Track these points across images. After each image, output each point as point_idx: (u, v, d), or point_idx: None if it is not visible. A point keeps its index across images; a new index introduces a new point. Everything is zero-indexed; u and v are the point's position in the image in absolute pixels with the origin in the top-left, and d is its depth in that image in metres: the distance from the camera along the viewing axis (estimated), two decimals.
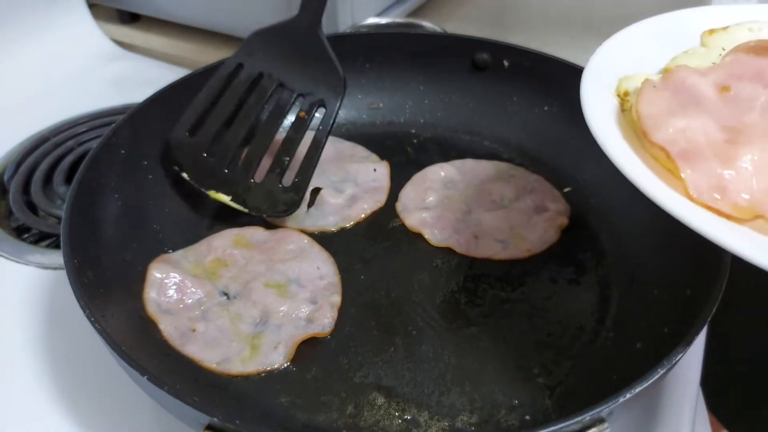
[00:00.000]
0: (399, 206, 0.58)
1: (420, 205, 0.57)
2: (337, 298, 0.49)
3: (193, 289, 0.48)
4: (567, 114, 0.60)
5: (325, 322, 0.47)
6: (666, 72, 0.41)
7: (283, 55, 0.55)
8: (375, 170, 0.60)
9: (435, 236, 0.54)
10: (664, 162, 0.36)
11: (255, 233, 0.54)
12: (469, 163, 0.62)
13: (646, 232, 0.52)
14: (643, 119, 0.37)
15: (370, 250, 0.54)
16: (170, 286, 0.48)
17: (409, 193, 0.59)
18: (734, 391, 0.73)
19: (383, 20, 0.77)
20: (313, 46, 0.54)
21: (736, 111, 0.37)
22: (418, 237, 0.55)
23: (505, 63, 0.63)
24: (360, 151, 0.63)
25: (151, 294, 0.47)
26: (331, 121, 0.53)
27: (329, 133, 0.53)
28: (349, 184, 0.60)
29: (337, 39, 0.66)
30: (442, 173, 0.60)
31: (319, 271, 0.50)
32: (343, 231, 0.56)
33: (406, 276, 0.51)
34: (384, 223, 0.56)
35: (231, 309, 0.48)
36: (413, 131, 0.66)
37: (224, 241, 0.52)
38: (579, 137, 0.59)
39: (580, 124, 0.60)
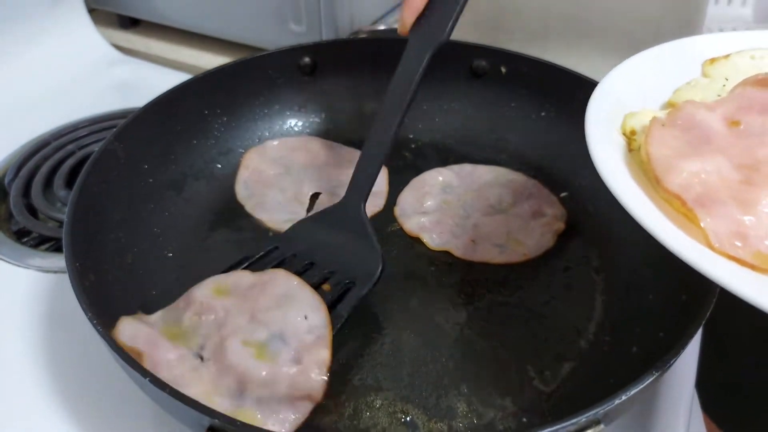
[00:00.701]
0: (397, 210, 0.58)
1: (418, 209, 0.58)
2: (325, 354, 0.43)
3: (164, 353, 0.41)
4: (564, 120, 0.61)
5: (312, 385, 0.41)
6: (672, 108, 0.40)
7: (322, 234, 0.51)
8: None
9: (433, 240, 0.55)
10: (679, 208, 0.34)
11: (240, 278, 0.47)
12: (467, 168, 0.62)
13: (641, 238, 0.52)
14: (654, 162, 0.35)
15: None
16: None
17: (407, 198, 0.59)
18: (729, 393, 0.73)
19: (382, 26, 0.78)
20: (354, 226, 0.50)
21: (748, 147, 0.36)
22: (417, 241, 0.55)
23: (503, 69, 0.64)
24: (358, 156, 0.64)
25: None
26: (356, 301, 0.47)
27: (351, 310, 0.47)
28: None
29: (337, 45, 0.67)
30: (440, 178, 0.61)
31: (307, 321, 0.44)
32: None
33: (404, 279, 0.52)
34: (382, 228, 0.57)
35: (204, 376, 0.41)
36: (411, 136, 0.66)
37: (204, 291, 0.46)
38: (576, 143, 0.59)
39: (577, 129, 0.61)
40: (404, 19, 0.53)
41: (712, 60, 0.45)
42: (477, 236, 0.55)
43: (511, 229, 0.55)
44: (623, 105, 0.41)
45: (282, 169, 0.62)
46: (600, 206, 0.57)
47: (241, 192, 0.60)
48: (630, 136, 0.39)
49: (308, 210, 0.58)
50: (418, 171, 0.62)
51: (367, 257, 0.48)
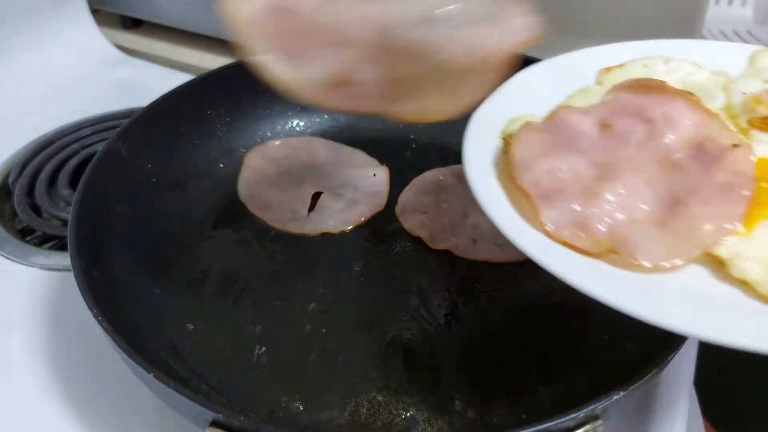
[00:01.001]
0: (398, 210, 0.59)
1: (419, 208, 0.58)
2: None
3: None
4: None
5: None
6: (551, 113, 0.42)
7: None
8: (374, 175, 0.62)
9: (433, 239, 0.55)
10: (528, 202, 0.37)
11: None
12: None
13: None
14: (515, 163, 0.38)
15: (370, 252, 0.55)
16: None
17: (408, 197, 0.60)
18: (728, 396, 0.74)
19: None
20: None
21: (612, 147, 0.39)
22: (417, 240, 0.56)
23: None
24: (359, 156, 0.64)
25: None
26: None
27: None
28: (349, 188, 0.61)
29: None
30: (441, 177, 0.61)
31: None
32: (343, 234, 0.57)
33: (405, 278, 0.52)
34: (383, 227, 0.57)
35: None
36: (412, 136, 0.67)
37: None
38: None
39: None
40: None
41: (608, 69, 0.46)
42: (477, 235, 0.55)
43: None
44: (512, 111, 0.43)
45: (284, 168, 0.63)
46: None
47: (243, 191, 0.60)
48: (507, 140, 0.41)
49: (309, 209, 0.58)
50: (419, 170, 0.62)
51: None
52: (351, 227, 0.57)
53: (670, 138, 0.38)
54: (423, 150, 0.65)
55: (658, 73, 0.45)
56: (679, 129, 0.38)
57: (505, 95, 0.44)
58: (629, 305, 0.31)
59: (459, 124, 0.66)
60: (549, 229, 0.35)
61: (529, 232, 0.36)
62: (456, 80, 0.40)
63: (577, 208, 0.36)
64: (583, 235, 0.35)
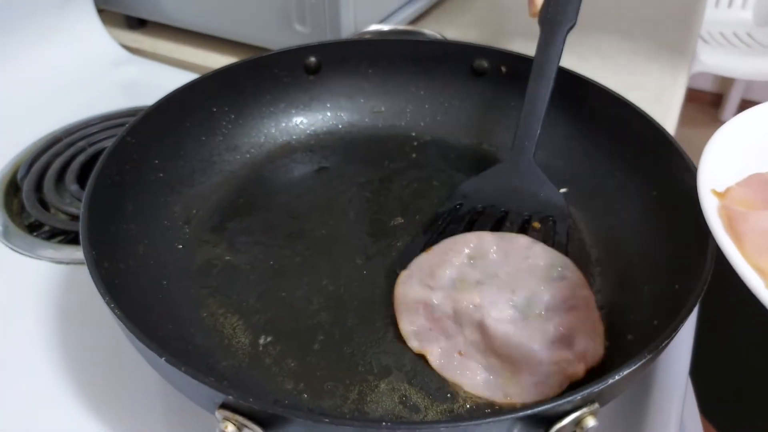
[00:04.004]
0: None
1: (426, 281, 0.49)
2: None
3: None
4: (561, 118, 0.62)
5: None
6: None
7: (501, 190, 0.57)
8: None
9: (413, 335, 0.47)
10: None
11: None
12: (521, 241, 0.52)
13: (635, 234, 0.54)
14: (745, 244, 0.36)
15: (371, 246, 0.56)
16: None
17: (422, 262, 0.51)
18: (727, 394, 0.74)
19: (385, 27, 0.79)
20: (529, 176, 0.57)
21: None
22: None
23: (503, 69, 0.65)
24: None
25: None
26: (567, 235, 0.54)
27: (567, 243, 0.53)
28: None
29: (341, 45, 0.69)
30: (472, 244, 0.52)
31: None
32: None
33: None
34: (385, 224, 0.58)
35: None
36: (414, 134, 0.68)
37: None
38: (572, 140, 0.62)
39: (573, 127, 0.62)
40: (535, 4, 0.59)
41: None
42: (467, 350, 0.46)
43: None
44: (734, 169, 0.42)
45: None
46: (597, 204, 0.58)
47: None
48: (723, 195, 0.40)
49: None
50: (420, 168, 0.64)
51: (551, 196, 0.56)
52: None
53: None
54: (424, 148, 0.67)
55: None
56: None
57: (724, 147, 0.42)
58: None
59: (458, 124, 0.68)
60: None
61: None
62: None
63: None
64: None
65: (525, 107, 0.58)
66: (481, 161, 0.64)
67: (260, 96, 0.66)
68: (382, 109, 0.69)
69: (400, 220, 0.58)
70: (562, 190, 0.60)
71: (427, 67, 0.68)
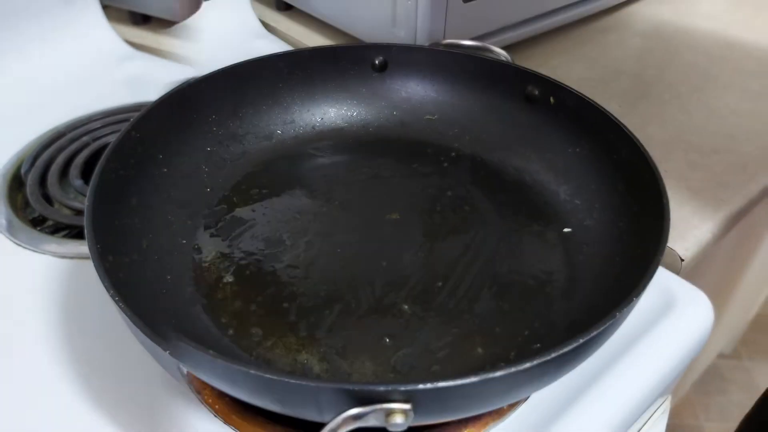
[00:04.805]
0: None
1: None
2: None
3: None
4: (593, 159, 0.60)
5: None
6: None
7: None
8: None
9: None
10: None
11: None
12: None
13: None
14: None
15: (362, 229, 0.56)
16: None
17: None
18: None
19: (460, 41, 0.74)
20: None
21: None
22: None
23: (552, 99, 0.64)
24: None
25: None
26: None
27: None
28: None
29: (408, 49, 0.69)
30: None
31: None
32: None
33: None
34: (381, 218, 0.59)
35: None
36: (456, 146, 0.68)
37: None
38: (595, 182, 0.60)
39: (603, 171, 0.60)
40: None
41: None
42: None
43: None
44: None
45: None
46: (595, 249, 0.55)
47: None
48: None
49: None
50: (443, 176, 0.64)
51: None
52: None
53: None
54: (458, 160, 0.66)
55: None
56: None
57: None
58: None
59: (499, 144, 0.67)
60: None
61: None
62: None
63: None
64: None
65: None
66: (504, 183, 0.63)
67: (263, 92, 0.66)
68: (435, 116, 0.69)
69: (395, 215, 0.59)
70: (566, 230, 0.58)
71: (484, 85, 0.68)
